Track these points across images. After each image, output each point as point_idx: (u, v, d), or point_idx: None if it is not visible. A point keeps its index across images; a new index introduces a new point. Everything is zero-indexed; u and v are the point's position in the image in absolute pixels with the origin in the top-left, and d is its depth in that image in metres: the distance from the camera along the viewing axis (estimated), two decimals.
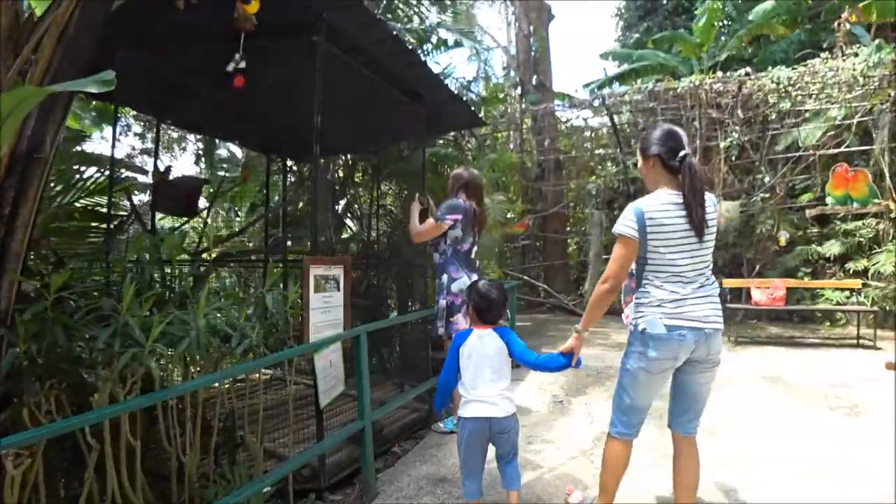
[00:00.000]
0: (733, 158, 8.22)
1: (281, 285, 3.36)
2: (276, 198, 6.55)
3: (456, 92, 6.25)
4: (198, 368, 2.12)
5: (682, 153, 2.07)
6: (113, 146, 3.53)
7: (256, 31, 2.72)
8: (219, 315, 2.26)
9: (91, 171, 4.05)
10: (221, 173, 6.93)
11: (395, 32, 3.48)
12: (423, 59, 4.06)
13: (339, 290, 3.11)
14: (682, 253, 2.03)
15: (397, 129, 5.02)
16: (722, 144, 7.94)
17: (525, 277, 10.62)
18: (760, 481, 2.78)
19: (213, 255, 4.48)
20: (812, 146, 7.63)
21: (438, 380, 2.39)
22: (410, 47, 3.80)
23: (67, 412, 2.06)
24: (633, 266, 2.16)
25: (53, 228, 3.17)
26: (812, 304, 7.54)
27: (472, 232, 3.73)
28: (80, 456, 1.97)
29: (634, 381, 2.10)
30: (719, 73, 7.94)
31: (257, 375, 3.34)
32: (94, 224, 3.62)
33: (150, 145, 7.46)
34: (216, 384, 2.39)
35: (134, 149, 6.24)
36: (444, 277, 3.74)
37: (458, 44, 8.70)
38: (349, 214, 7.26)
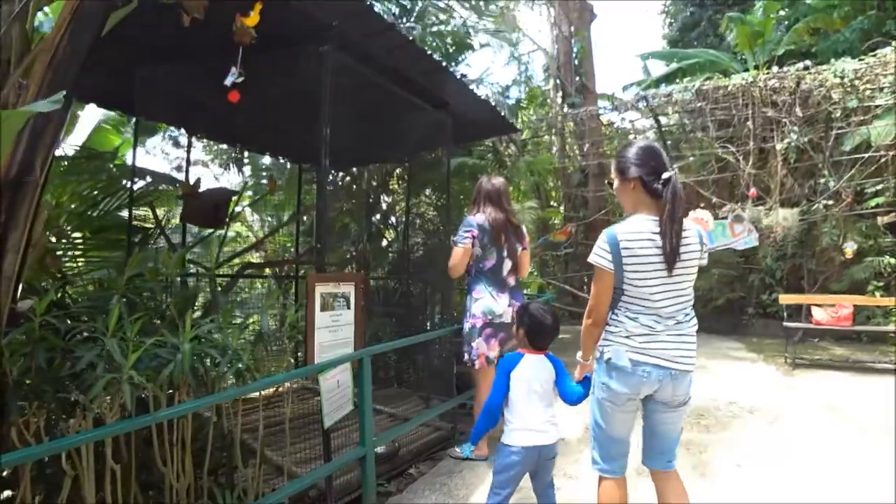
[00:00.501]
0: (792, 161, 7.60)
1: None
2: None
3: (488, 98, 6.07)
4: (185, 393, 2.04)
5: (665, 175, 1.91)
6: (133, 158, 3.57)
7: (271, 41, 2.68)
8: (215, 336, 2.17)
9: (126, 184, 4.16)
10: (249, 183, 7.05)
11: (411, 38, 3.34)
12: (445, 64, 3.90)
13: (349, 307, 2.99)
14: (655, 285, 1.89)
15: (423, 138, 4.89)
16: (779, 146, 7.35)
17: (568, 287, 10.26)
18: None
19: (236, 268, 4.51)
20: (885, 145, 6.92)
21: (486, 402, 2.25)
22: (430, 53, 3.64)
23: (58, 434, 2.03)
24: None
25: (77, 241, 3.21)
26: (885, 322, 6.82)
27: (496, 246, 3.44)
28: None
29: (602, 411, 2.00)
30: (775, 69, 7.36)
31: (270, 390, 3.27)
32: (120, 238, 3.67)
33: (200, 158, 7.73)
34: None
35: (175, 159, 6.42)
36: (468, 298, 3.56)
37: (497, 46, 8.51)
38: (383, 224, 7.21)
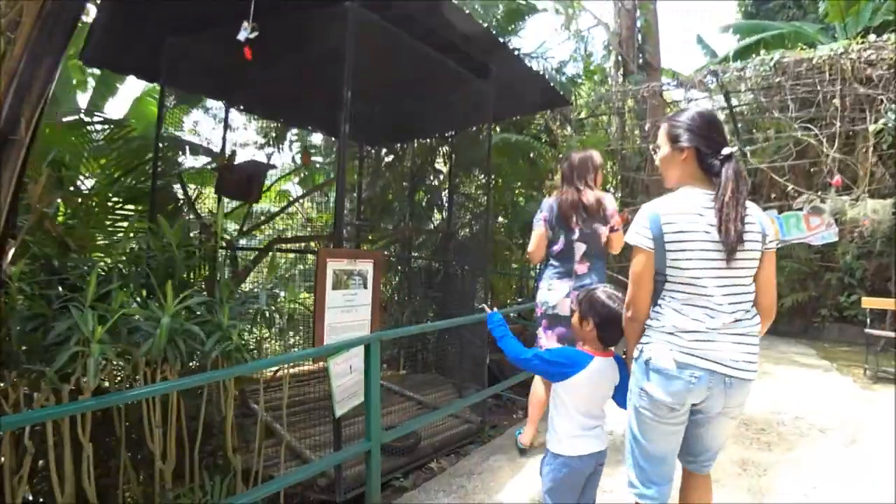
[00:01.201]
0: (884, 146, 6.70)
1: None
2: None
3: (540, 70, 5.64)
4: (170, 371, 1.86)
5: (726, 150, 1.65)
6: (158, 129, 3.45)
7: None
8: (199, 312, 1.99)
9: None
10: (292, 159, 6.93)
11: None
12: (488, 27, 3.55)
13: (365, 287, 2.75)
14: (706, 269, 1.57)
15: (466, 111, 4.56)
16: (871, 128, 6.46)
17: (622, 277, 9.69)
18: None
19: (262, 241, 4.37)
20: None
21: (519, 356, 1.87)
22: (469, 13, 3.29)
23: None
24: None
25: (97, 213, 3.14)
26: None
27: (564, 229, 3.01)
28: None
29: (640, 423, 1.68)
30: (872, 37, 6.44)
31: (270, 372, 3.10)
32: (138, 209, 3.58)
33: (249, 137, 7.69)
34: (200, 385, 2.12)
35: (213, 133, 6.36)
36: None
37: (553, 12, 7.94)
38: (427, 203, 6.95)
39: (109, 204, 3.17)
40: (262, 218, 4.61)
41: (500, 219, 7.38)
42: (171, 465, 2.03)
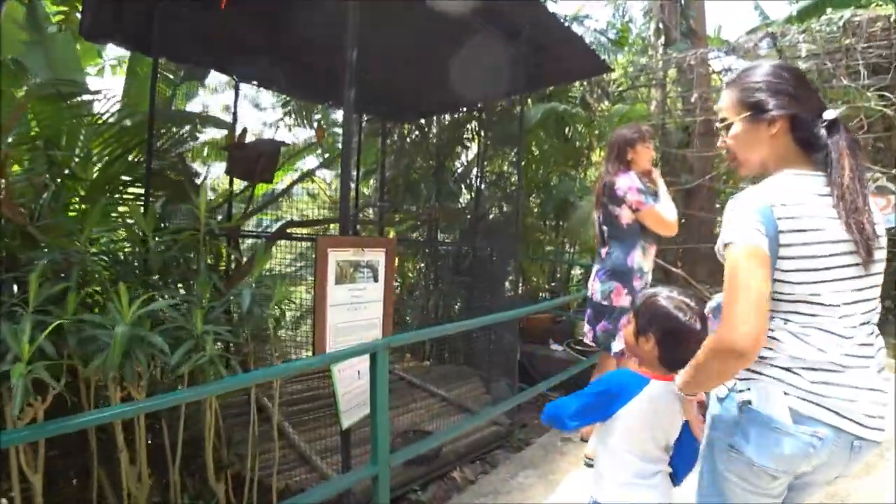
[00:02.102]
0: None
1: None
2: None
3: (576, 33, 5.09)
4: (136, 388, 1.55)
5: (828, 114, 1.18)
6: (152, 104, 3.13)
7: None
8: (175, 316, 1.66)
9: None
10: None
11: None
12: None
13: (376, 280, 2.38)
14: (836, 284, 1.10)
15: (494, 78, 4.10)
16: None
17: (659, 261, 9.08)
18: None
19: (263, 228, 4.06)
20: None
21: (562, 409, 1.39)
22: None
23: None
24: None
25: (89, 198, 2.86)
26: None
27: (597, 209, 2.87)
28: None
29: (723, 489, 1.19)
30: None
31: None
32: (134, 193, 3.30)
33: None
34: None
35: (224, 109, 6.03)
36: None
37: None
38: (455, 183, 6.52)
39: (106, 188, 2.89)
40: (264, 202, 4.26)
41: (533, 199, 6.90)
42: (146, 489, 1.74)
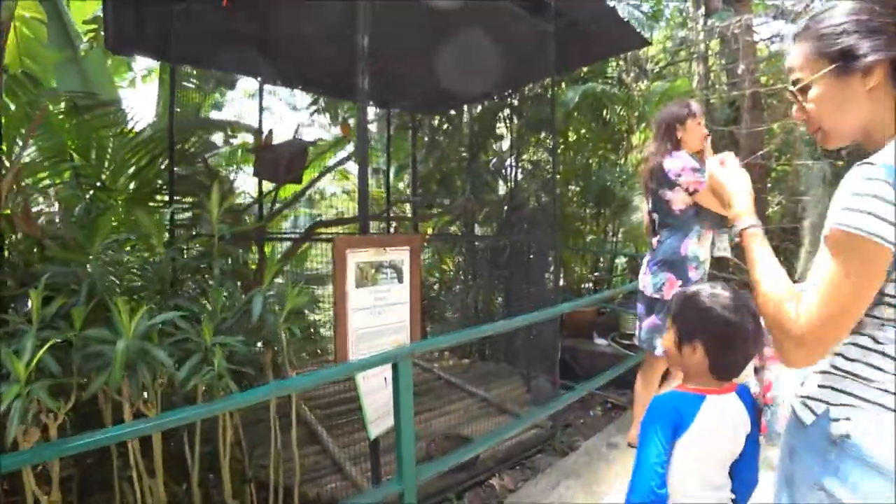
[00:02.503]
0: None
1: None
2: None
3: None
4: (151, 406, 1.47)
5: None
6: (171, 110, 3.09)
7: None
8: (183, 328, 1.57)
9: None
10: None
11: None
12: None
13: (401, 281, 2.25)
14: None
15: (522, 60, 3.88)
16: None
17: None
18: None
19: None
20: None
21: (647, 491, 1.13)
22: None
23: None
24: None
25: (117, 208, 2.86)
26: None
27: (645, 195, 2.71)
28: None
29: None
30: None
31: None
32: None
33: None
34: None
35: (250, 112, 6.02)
36: None
37: None
38: (490, 174, 6.32)
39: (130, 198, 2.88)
40: (285, 204, 4.20)
41: (572, 187, 6.61)
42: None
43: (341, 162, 4.26)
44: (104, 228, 1.69)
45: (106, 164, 3.06)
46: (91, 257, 1.74)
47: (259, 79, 4.59)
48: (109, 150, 3.32)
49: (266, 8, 3.18)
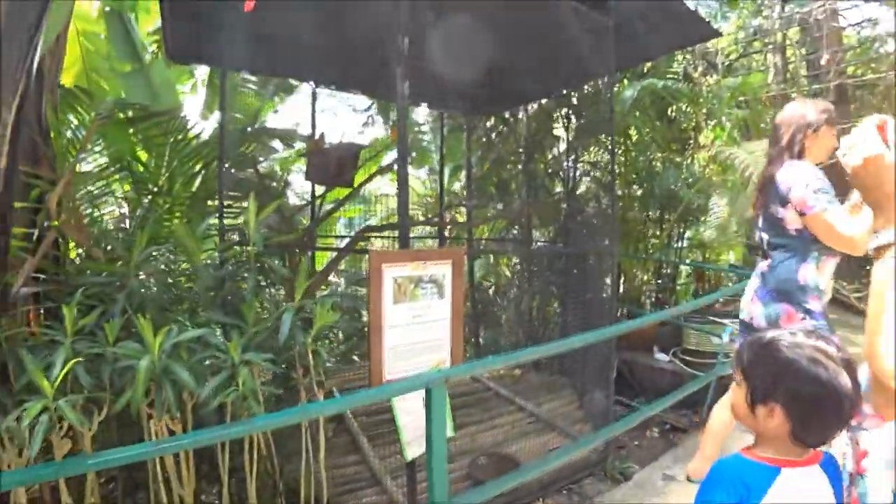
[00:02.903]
0: None
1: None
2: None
3: None
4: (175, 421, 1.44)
5: None
6: (223, 114, 3.13)
7: None
8: (214, 342, 1.52)
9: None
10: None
11: None
12: None
13: (441, 296, 2.13)
14: None
15: (580, 60, 3.67)
16: None
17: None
18: None
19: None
20: None
21: None
22: None
23: None
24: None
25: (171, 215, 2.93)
26: None
27: (756, 210, 2.33)
28: None
29: None
30: None
31: None
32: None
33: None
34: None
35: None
36: None
37: None
38: (547, 177, 6.09)
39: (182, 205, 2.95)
40: (330, 210, 4.18)
41: (634, 189, 6.26)
42: None
43: (382, 171, 4.18)
44: (143, 240, 1.69)
45: (163, 170, 3.14)
46: (131, 268, 1.74)
47: (311, 83, 4.62)
48: (165, 158, 3.44)
49: (315, 9, 3.17)
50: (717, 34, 3.74)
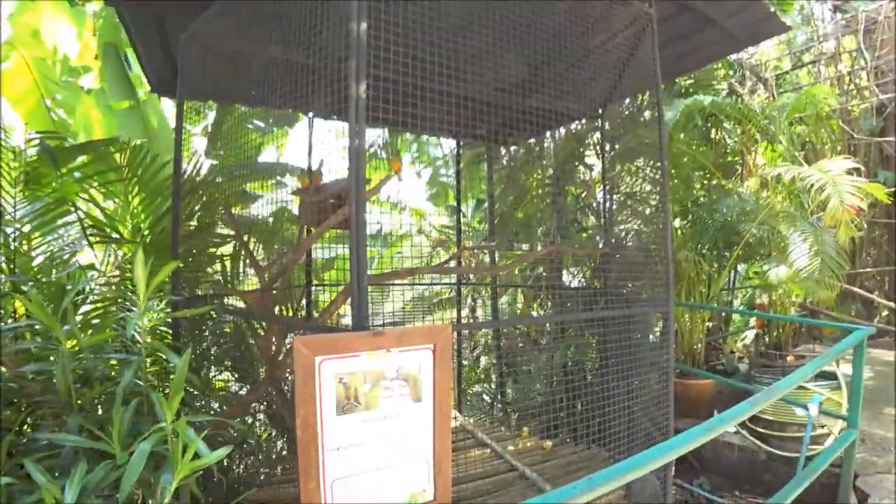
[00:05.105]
0: None
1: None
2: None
3: None
4: None
5: None
6: (177, 151, 2.60)
7: None
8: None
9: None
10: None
11: None
12: None
13: (417, 399, 1.45)
14: None
15: (614, 74, 3.00)
16: None
17: (854, 289, 6.85)
18: None
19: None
20: None
21: None
22: None
23: None
24: None
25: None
26: None
27: None
28: None
29: None
30: None
31: None
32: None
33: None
34: None
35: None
36: None
37: None
38: (579, 211, 5.36)
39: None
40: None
41: (679, 222, 5.46)
42: None
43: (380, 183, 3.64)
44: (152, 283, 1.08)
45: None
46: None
47: (307, 115, 4.11)
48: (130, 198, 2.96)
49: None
50: (786, 28, 3.00)
